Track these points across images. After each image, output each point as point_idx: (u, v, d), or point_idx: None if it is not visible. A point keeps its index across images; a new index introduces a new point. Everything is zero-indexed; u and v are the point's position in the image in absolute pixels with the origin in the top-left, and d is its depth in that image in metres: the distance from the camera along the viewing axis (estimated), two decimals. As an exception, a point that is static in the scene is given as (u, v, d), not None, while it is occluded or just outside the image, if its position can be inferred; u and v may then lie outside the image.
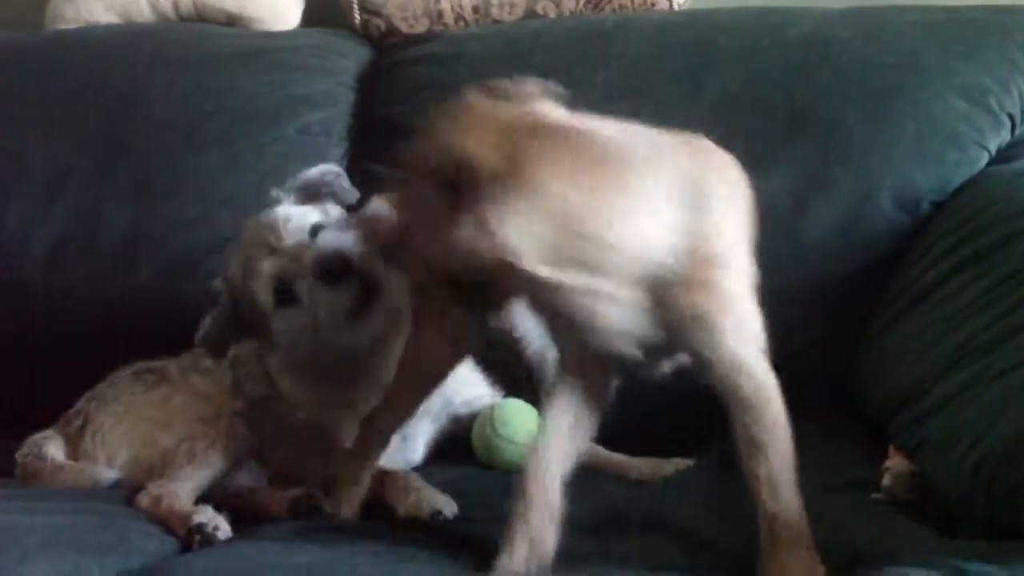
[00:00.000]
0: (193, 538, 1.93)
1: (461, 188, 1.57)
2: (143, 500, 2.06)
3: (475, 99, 1.67)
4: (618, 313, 1.67)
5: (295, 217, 2.11)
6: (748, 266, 1.76)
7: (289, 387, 2.20)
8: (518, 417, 2.25)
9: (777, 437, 1.72)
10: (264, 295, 2.09)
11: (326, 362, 2.14)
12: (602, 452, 2.29)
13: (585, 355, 1.82)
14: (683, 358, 1.80)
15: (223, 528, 1.96)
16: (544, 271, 1.60)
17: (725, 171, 1.80)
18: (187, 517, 1.98)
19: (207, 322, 2.13)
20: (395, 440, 2.16)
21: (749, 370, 1.73)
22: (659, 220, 1.66)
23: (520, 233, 1.58)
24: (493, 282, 1.64)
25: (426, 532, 1.91)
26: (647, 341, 1.71)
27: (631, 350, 1.71)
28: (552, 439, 1.82)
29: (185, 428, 2.16)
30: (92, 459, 2.21)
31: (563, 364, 1.86)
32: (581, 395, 1.83)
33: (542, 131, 1.64)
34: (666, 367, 1.84)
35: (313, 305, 2.06)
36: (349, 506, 2.05)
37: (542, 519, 1.77)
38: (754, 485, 1.70)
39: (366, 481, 2.06)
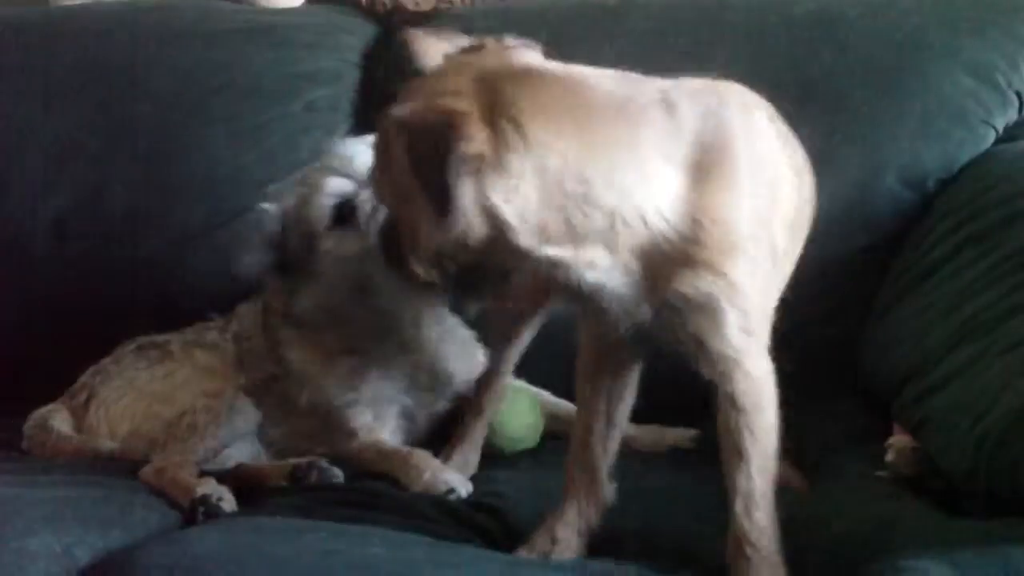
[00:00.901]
0: (197, 510, 1.94)
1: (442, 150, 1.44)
2: (146, 472, 2.07)
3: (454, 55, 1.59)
4: (612, 287, 1.57)
5: (364, 152, 2.07)
6: (765, 254, 1.63)
7: (297, 359, 2.19)
8: (513, 410, 2.24)
9: (764, 448, 1.65)
10: (321, 211, 2.08)
11: (341, 319, 2.15)
12: None
13: (597, 332, 1.74)
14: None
15: (227, 499, 1.96)
16: (534, 243, 1.51)
17: (751, 135, 1.63)
18: (190, 489, 1.98)
19: (249, 248, 2.13)
20: (397, 419, 2.18)
21: (747, 368, 1.64)
22: (654, 182, 1.54)
23: (509, 198, 1.49)
24: (485, 260, 1.55)
25: (436, 509, 1.92)
26: (644, 321, 1.61)
27: (626, 327, 1.62)
28: (591, 423, 1.78)
29: (187, 402, 2.16)
30: (96, 432, 2.22)
31: (581, 348, 1.80)
32: (607, 378, 1.78)
33: (525, 77, 1.52)
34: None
35: (368, 231, 2.03)
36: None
37: (586, 508, 1.76)
38: (731, 495, 1.64)
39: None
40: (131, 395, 2.22)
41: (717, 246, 1.57)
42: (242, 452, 2.17)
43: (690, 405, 2.25)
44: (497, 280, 1.63)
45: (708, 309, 1.59)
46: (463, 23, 2.72)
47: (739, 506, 1.63)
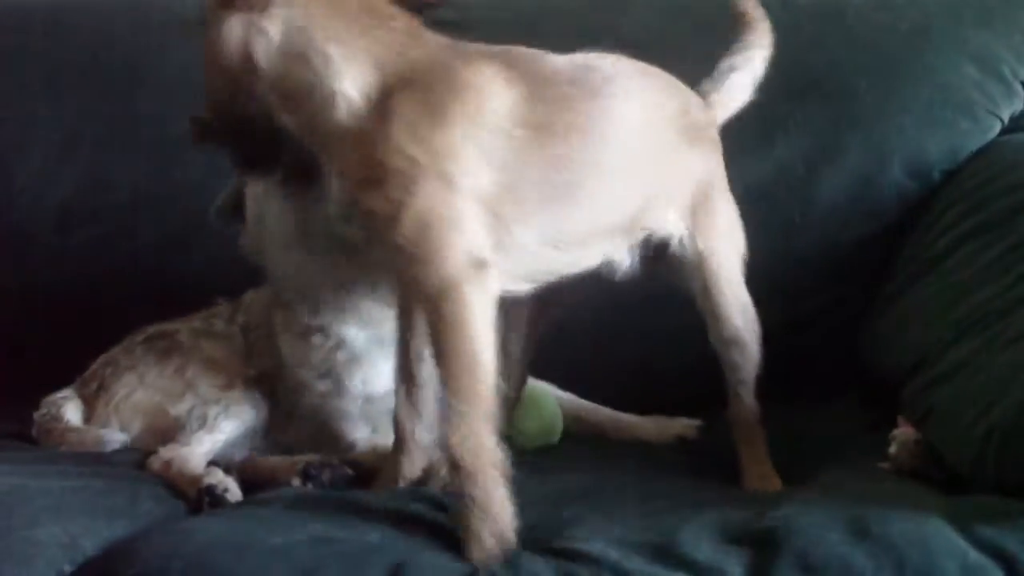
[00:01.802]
0: (203, 500, 1.94)
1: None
2: (154, 464, 2.07)
3: None
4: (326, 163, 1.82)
5: None
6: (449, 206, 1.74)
7: (288, 348, 2.19)
8: (534, 406, 2.24)
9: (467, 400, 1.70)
10: None
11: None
12: (606, 412, 2.30)
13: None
14: None
15: (233, 490, 1.96)
16: (268, 92, 1.79)
17: (467, 96, 1.78)
18: (197, 479, 1.98)
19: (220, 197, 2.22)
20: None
21: (434, 287, 1.72)
22: (355, 77, 1.77)
23: (259, 37, 1.78)
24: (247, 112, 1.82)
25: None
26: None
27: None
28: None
29: (198, 396, 2.16)
30: (106, 426, 2.21)
31: None
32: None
33: None
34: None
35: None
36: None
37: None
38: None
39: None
40: (141, 391, 2.21)
41: (390, 176, 1.73)
42: (249, 447, 2.18)
43: (695, 397, 2.28)
44: (266, 142, 1.89)
45: (382, 227, 1.74)
46: (465, 12, 2.71)
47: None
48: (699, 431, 2.23)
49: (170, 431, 2.14)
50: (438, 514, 1.78)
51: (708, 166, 2.03)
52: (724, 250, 2.01)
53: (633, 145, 1.92)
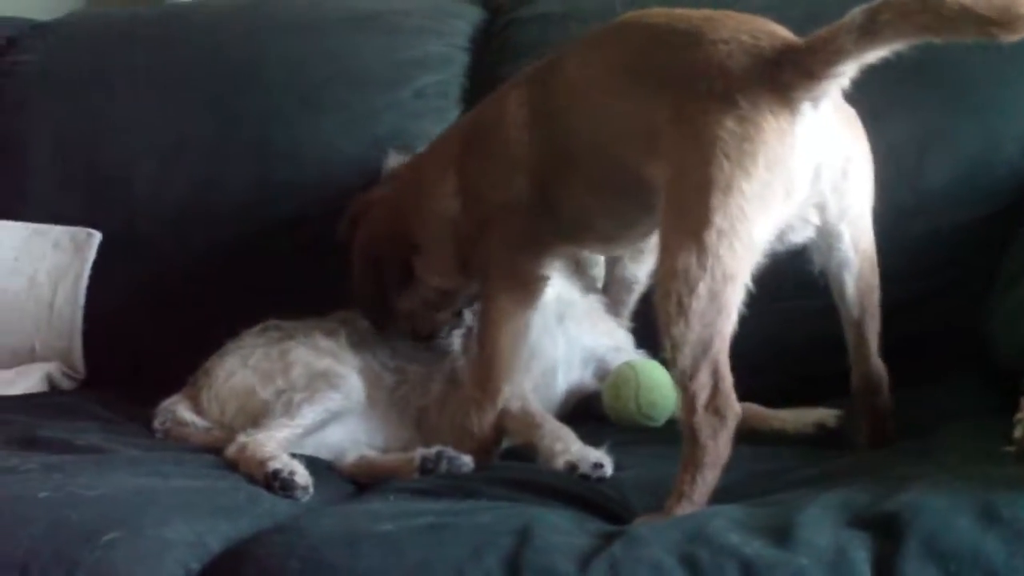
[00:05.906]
0: (272, 484, 1.96)
1: None
2: (231, 449, 2.08)
3: None
4: None
5: None
6: None
7: None
8: (663, 394, 2.22)
9: None
10: None
11: None
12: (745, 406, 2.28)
13: None
14: None
15: (300, 473, 1.98)
16: None
17: None
18: (263, 464, 1.99)
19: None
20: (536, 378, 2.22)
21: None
22: None
23: None
24: None
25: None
26: None
27: None
28: None
29: (288, 380, 2.17)
30: (208, 414, 2.24)
31: None
32: None
33: None
34: None
35: None
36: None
37: None
38: None
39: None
40: (241, 372, 2.22)
41: None
42: (346, 436, 2.19)
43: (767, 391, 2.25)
44: None
45: None
46: (569, 4, 2.72)
47: None
48: (838, 419, 2.17)
49: (259, 415, 2.15)
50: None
51: None
52: None
53: None
